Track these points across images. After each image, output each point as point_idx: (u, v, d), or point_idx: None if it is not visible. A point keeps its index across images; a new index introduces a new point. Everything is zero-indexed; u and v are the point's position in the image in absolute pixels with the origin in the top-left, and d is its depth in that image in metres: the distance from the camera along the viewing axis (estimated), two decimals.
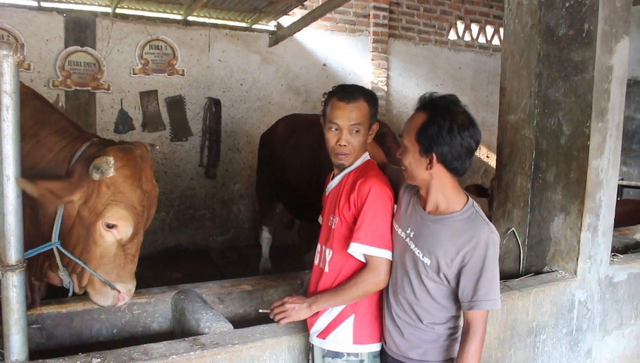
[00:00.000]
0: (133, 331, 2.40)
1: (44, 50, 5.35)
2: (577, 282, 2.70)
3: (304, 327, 2.00)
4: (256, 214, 6.14)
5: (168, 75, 5.91)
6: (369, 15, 6.96)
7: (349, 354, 1.87)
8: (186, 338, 1.91)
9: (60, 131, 2.10)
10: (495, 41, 8.01)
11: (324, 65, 6.77)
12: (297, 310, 1.91)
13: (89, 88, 5.53)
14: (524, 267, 2.89)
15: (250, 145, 6.32)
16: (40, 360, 1.69)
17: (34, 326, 2.14)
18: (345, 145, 1.91)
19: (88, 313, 2.29)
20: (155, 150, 2.30)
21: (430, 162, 1.67)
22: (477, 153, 1.72)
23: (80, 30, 5.47)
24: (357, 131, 1.90)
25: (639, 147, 8.08)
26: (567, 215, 2.70)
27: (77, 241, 1.97)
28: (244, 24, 6.24)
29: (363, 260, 1.86)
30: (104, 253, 1.97)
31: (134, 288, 2.07)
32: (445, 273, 1.68)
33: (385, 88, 7.10)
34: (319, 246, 2.04)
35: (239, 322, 2.27)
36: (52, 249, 1.98)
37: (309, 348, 2.01)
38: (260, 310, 2.09)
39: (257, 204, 5.32)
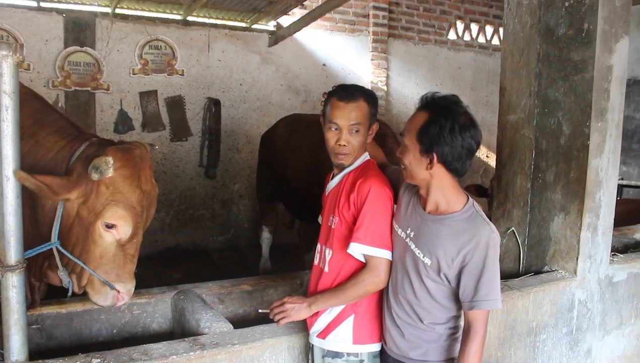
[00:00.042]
0: (133, 331, 2.39)
1: (43, 50, 5.35)
2: (577, 282, 2.70)
3: (303, 327, 2.00)
4: (256, 214, 6.14)
5: (168, 75, 5.91)
6: (368, 15, 6.96)
7: (348, 354, 1.87)
8: (186, 339, 1.91)
9: (59, 131, 2.10)
10: (495, 41, 8.01)
11: (324, 65, 6.77)
12: (296, 310, 1.91)
13: (89, 88, 5.53)
14: (523, 266, 2.90)
15: (250, 145, 6.32)
16: (40, 361, 1.68)
17: (33, 326, 2.14)
18: (345, 145, 1.90)
19: (88, 313, 2.29)
20: (154, 150, 2.30)
21: (431, 162, 1.67)
22: (477, 153, 1.72)
23: (79, 30, 5.46)
24: (356, 131, 1.90)
25: (639, 146, 8.08)
26: (567, 214, 2.70)
27: (77, 241, 1.97)
28: (243, 24, 6.24)
29: (363, 260, 1.86)
30: (103, 253, 1.97)
31: (133, 288, 2.06)
32: (445, 274, 1.67)
33: (384, 88, 7.09)
34: (318, 246, 2.04)
35: (238, 322, 2.27)
36: (51, 249, 1.98)
37: (308, 348, 2.01)
38: (260, 310, 2.09)
39: (257, 204, 5.31)
